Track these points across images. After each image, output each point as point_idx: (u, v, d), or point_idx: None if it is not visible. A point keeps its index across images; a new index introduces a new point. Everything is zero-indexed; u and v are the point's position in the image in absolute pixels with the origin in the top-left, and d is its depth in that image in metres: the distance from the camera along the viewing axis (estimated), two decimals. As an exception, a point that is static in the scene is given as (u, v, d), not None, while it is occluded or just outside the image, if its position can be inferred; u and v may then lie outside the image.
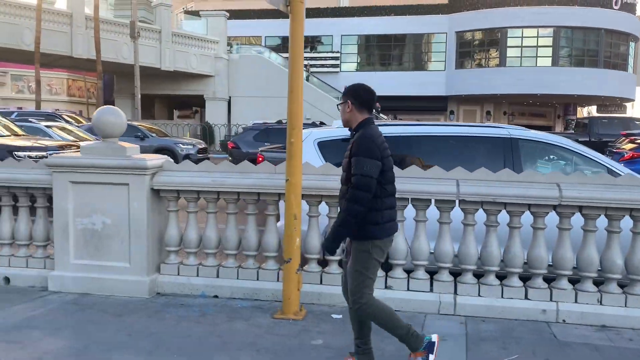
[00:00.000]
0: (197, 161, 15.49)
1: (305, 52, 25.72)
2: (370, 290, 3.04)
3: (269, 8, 38.95)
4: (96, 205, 4.62)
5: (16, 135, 10.23)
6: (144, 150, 13.53)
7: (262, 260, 4.70)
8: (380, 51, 35.74)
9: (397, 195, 3.19)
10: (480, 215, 4.23)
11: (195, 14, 34.17)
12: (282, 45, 35.68)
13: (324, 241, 3.10)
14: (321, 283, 4.47)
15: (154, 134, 16.06)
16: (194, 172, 4.56)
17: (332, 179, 4.18)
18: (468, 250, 4.24)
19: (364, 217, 2.91)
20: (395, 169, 3.32)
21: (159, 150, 15.17)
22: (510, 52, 31.81)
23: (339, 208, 3.12)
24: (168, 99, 35.08)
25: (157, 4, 28.11)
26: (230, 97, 31.12)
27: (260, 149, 10.56)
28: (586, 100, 35.07)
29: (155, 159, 4.66)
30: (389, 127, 5.35)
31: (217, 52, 30.25)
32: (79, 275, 4.67)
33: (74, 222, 4.65)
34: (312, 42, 35.38)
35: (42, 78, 40.16)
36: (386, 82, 33.91)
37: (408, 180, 4.15)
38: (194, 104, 37.07)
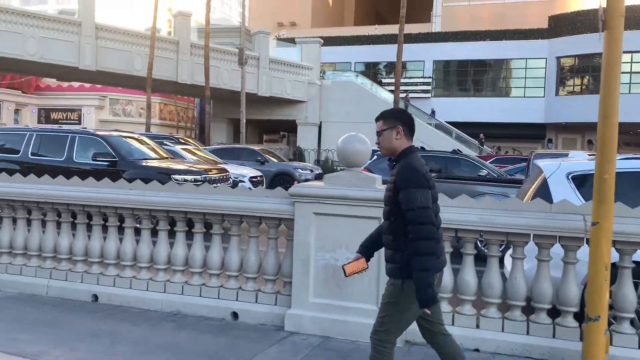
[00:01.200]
0: None
1: (403, 77, 25.08)
2: (396, 335, 2.81)
3: (357, 34, 39.29)
4: (340, 239, 4.22)
5: (164, 158, 10.30)
6: (264, 175, 13.30)
7: (524, 311, 4.11)
8: (475, 77, 34.79)
9: None
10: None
11: (290, 41, 34.75)
12: (372, 72, 35.62)
13: (419, 296, 2.64)
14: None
15: (273, 158, 16.04)
16: (465, 209, 4.06)
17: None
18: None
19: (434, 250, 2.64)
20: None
21: (278, 175, 15.08)
22: (617, 78, 29.92)
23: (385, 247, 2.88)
24: (258, 123, 35.68)
25: (256, 32, 28.76)
26: (321, 122, 31.18)
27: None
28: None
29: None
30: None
31: (311, 78, 30.47)
32: (318, 316, 4.26)
33: (314, 256, 4.28)
34: (402, 68, 34.99)
35: (136, 101, 42.37)
36: (480, 109, 32.90)
37: None
38: (282, 129, 37.53)
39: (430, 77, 34.41)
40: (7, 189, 5.23)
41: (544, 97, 32.43)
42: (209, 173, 9.84)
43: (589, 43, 30.33)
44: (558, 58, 31.93)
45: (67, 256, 5.17)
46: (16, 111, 39.40)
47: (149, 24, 25.13)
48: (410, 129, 2.83)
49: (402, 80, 34.43)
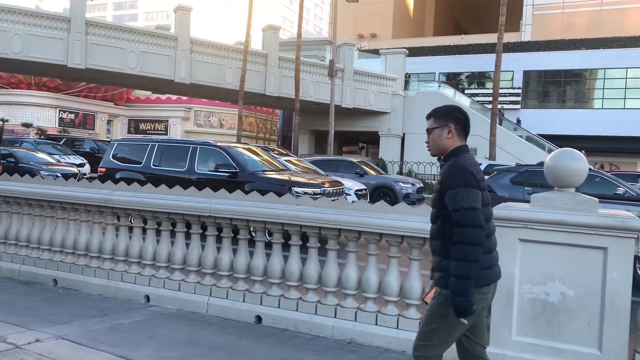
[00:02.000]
0: (414, 202, 14.83)
1: (486, 88, 24.28)
2: (441, 350, 2.54)
3: (439, 44, 38.45)
4: (553, 270, 3.72)
5: (280, 169, 10.16)
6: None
7: None
8: (568, 87, 33.01)
9: None
10: None
11: (372, 52, 34.53)
12: (454, 82, 34.64)
13: (455, 308, 2.39)
14: None
15: (371, 171, 15.67)
16: None
17: None
18: None
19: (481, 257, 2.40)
20: None
21: (378, 189, 14.67)
22: None
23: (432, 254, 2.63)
24: (337, 134, 35.60)
25: (341, 44, 28.70)
26: (404, 133, 30.57)
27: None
28: None
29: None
30: None
31: (395, 89, 29.99)
32: (522, 357, 3.77)
33: (519, 289, 3.80)
34: (493, 78, 33.82)
35: (217, 113, 43.56)
36: (573, 121, 31.10)
37: None
38: (362, 140, 37.21)
39: (519, 88, 32.97)
40: (164, 201, 5.13)
41: (646, 108, 30.21)
42: (326, 186, 9.58)
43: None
44: (662, 67, 29.71)
45: (227, 273, 4.98)
46: (108, 122, 41.65)
47: (234, 38, 25.81)
48: (464, 128, 2.64)
49: (489, 91, 33.31)
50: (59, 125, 36.57)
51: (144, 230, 5.39)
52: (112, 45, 22.24)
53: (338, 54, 28.84)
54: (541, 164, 12.68)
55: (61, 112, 37.84)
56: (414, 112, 29.79)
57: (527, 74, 33.00)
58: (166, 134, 40.34)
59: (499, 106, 31.23)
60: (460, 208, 2.38)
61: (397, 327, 4.29)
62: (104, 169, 9.60)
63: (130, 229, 5.52)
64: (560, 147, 23.37)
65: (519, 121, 29.82)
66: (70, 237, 5.72)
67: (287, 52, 27.76)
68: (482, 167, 18.19)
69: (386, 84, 29.86)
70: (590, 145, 30.55)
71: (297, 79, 23.67)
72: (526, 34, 36.39)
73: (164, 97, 38.98)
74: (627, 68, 30.85)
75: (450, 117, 2.62)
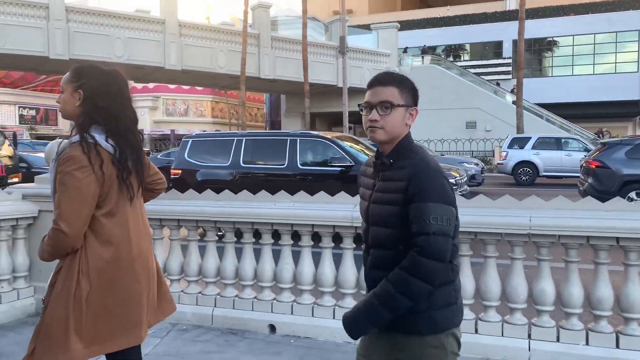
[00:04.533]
0: (480, 183, 13.78)
1: (474, 60, 23.80)
2: None
3: (430, 17, 37.73)
4: None
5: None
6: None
7: None
8: (558, 55, 32.92)
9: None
10: None
11: (365, 28, 33.56)
12: (448, 54, 34.14)
13: (349, 317, 1.82)
14: None
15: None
16: None
17: None
18: None
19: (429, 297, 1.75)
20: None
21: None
22: None
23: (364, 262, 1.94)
24: (329, 116, 34.75)
25: (333, 20, 27.69)
26: (399, 110, 29.92)
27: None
28: None
29: None
30: None
31: (389, 65, 29.21)
32: None
33: None
34: (481, 49, 33.46)
35: (190, 101, 41.85)
36: (564, 88, 31.13)
37: None
38: (351, 121, 36.44)
39: (509, 58, 32.72)
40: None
41: (637, 72, 30.38)
42: (457, 175, 8.86)
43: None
44: (652, 29, 29.87)
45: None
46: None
47: (219, 18, 24.48)
48: (415, 103, 1.87)
49: (479, 63, 32.96)
50: (20, 123, 34.49)
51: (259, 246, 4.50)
52: (96, 33, 20.73)
53: (330, 32, 27.84)
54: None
55: (21, 108, 35.74)
56: (409, 87, 29.13)
57: (515, 44, 32.73)
58: None
59: (491, 78, 31.00)
60: (430, 232, 1.67)
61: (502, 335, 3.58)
62: (179, 171, 8.39)
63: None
64: (555, 115, 22.95)
65: (513, 90, 29.53)
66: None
67: (275, 31, 26.65)
68: (509, 139, 17.71)
69: (380, 60, 29.09)
70: (583, 111, 30.75)
71: (304, 58, 22.57)
72: (511, 3, 36.01)
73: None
74: (616, 32, 30.94)
75: (416, 96, 1.86)
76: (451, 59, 34.35)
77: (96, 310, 2.00)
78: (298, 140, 8.10)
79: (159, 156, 16.69)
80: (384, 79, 1.81)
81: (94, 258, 2.00)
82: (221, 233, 4.43)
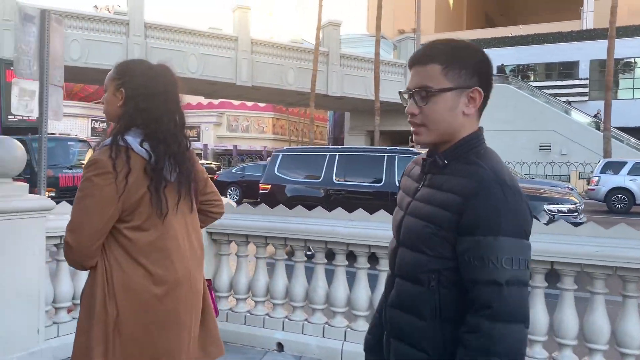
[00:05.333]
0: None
1: (548, 80, 22.46)
2: None
3: (500, 36, 36.77)
4: None
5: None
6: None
7: None
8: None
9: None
10: None
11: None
12: (520, 74, 33.02)
13: None
14: None
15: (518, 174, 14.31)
16: None
17: None
18: None
19: None
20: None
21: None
22: None
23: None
24: (390, 134, 34.36)
25: (403, 39, 27.44)
26: (470, 131, 29.06)
27: None
28: None
29: None
30: None
31: (457, 85, 28.55)
32: None
33: None
34: (555, 69, 32.15)
35: (252, 117, 42.51)
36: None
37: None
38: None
39: (586, 79, 31.17)
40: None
41: None
42: (574, 199, 7.92)
43: None
44: None
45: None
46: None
47: (281, 36, 24.77)
48: (487, 97, 1.31)
49: (555, 83, 31.65)
50: (92, 135, 36.14)
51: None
52: (171, 48, 21.43)
53: (399, 49, 27.60)
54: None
55: (93, 121, 37.45)
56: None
57: (593, 64, 31.20)
58: (198, 140, 39.41)
59: (564, 99, 29.59)
60: (503, 282, 1.12)
61: None
62: (269, 186, 8.15)
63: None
64: (637, 139, 21.35)
65: (598, 114, 27.92)
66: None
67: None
68: (602, 164, 16.43)
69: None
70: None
71: (376, 75, 22.33)
72: (588, 22, 34.47)
73: (194, 102, 37.84)
74: None
75: (482, 71, 1.28)
76: (532, 77, 33.22)
77: (126, 338, 1.69)
78: (396, 157, 7.49)
79: (233, 170, 16.85)
80: (422, 55, 1.28)
81: (120, 277, 1.69)
82: (310, 252, 4.14)
